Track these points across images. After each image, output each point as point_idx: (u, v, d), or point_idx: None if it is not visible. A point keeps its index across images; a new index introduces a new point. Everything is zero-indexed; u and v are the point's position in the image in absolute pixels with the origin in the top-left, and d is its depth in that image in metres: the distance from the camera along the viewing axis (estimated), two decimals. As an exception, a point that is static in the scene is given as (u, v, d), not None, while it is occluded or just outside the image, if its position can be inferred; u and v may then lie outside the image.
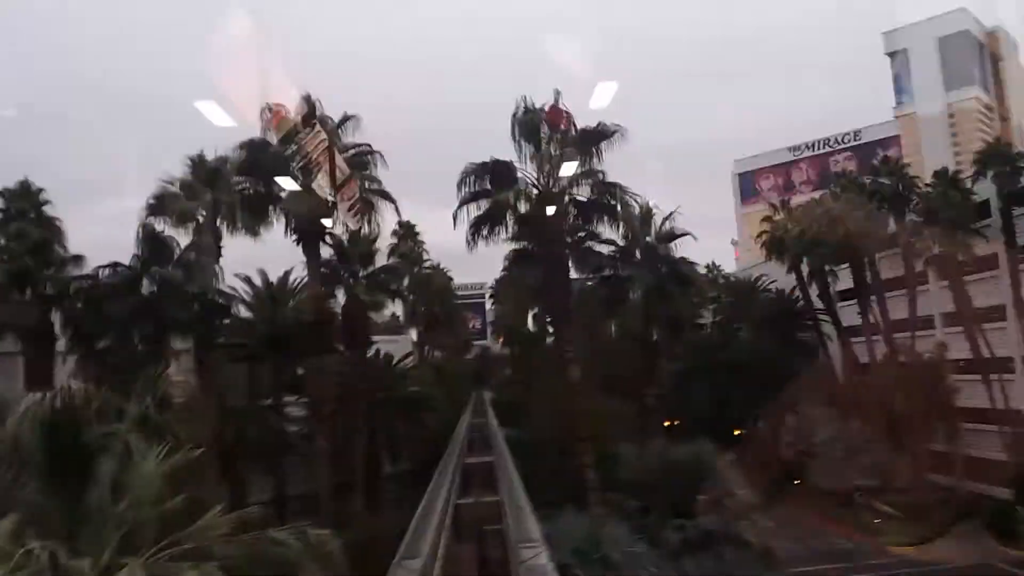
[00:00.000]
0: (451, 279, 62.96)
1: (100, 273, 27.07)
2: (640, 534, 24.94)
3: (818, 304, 60.20)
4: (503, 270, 64.09)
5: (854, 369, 58.71)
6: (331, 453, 34.20)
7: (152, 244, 27.58)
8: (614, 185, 25.80)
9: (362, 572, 24.08)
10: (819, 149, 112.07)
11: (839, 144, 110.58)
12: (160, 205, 29.28)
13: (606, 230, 27.53)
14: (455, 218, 26.81)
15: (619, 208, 25.80)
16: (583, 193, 26.70)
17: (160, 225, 28.83)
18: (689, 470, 26.81)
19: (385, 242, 56.89)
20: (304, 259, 27.43)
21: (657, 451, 28.05)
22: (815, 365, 64.20)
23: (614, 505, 26.22)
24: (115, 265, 26.97)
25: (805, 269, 55.28)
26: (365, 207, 25.50)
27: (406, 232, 58.58)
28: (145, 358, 26.94)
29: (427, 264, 59.23)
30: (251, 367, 36.75)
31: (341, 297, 32.54)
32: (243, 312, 33.45)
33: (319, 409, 28.41)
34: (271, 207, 26.89)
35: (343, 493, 33.78)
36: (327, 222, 26.10)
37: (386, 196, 27.79)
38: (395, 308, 59.32)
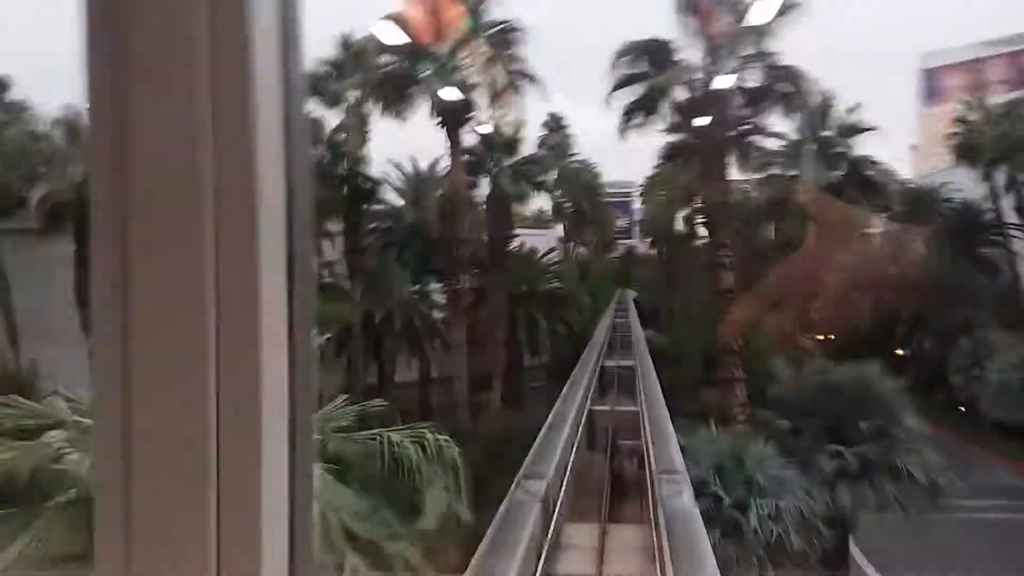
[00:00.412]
0: (599, 175, 60.26)
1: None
2: (790, 458, 22.62)
3: (1012, 218, 53.16)
4: (655, 166, 60.93)
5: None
6: (472, 342, 33.89)
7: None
8: (789, 69, 22.00)
9: (493, 469, 23.81)
10: (1019, 44, 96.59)
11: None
12: (309, 85, 28.57)
13: (776, 122, 23.94)
14: (608, 103, 24.07)
15: (793, 96, 22.10)
16: (753, 78, 23.15)
17: (310, 106, 28.20)
18: (851, 392, 23.86)
19: (533, 131, 55.34)
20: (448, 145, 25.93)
21: (815, 369, 25.20)
22: (998, 283, 57.63)
23: (763, 424, 23.92)
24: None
25: (1001, 177, 48.42)
26: (508, 90, 23.40)
27: (555, 124, 56.12)
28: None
29: (574, 159, 56.73)
30: (400, 251, 36.79)
31: (486, 186, 31.09)
32: (393, 197, 32.97)
33: (461, 298, 27.64)
34: (414, 87, 25.32)
35: (483, 382, 33.57)
36: (469, 106, 24.28)
37: (531, 78, 25.45)
38: (542, 202, 57.94)
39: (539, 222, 58.90)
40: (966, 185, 57.39)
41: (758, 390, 24.64)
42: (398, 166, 35.70)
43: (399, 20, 22.64)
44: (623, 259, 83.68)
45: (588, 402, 19.00)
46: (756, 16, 21.96)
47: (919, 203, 60.60)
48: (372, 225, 32.88)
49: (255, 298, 0.87)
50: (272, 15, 0.90)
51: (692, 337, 29.21)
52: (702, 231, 56.93)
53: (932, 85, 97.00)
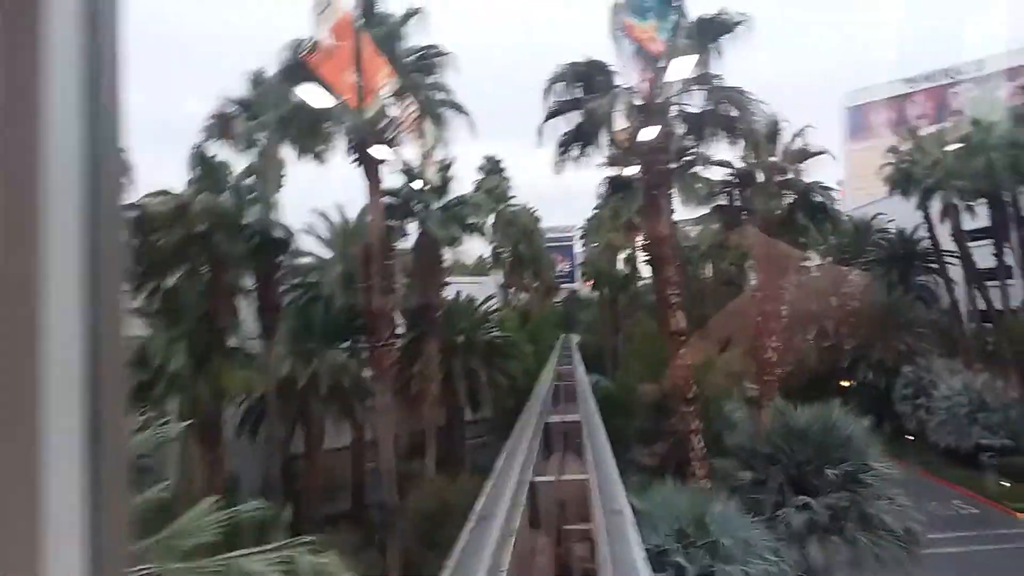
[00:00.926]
0: (538, 219, 58.47)
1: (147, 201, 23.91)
2: (756, 513, 20.24)
3: (947, 245, 53.20)
4: (595, 206, 59.50)
5: (984, 316, 51.73)
6: (405, 400, 30.99)
7: (205, 168, 24.12)
8: (734, 90, 20.16)
9: (424, 554, 20.79)
10: (938, 80, 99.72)
11: (960, 75, 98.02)
12: (218, 126, 25.73)
13: (720, 150, 22.02)
14: (540, 136, 21.81)
15: (738, 120, 20.25)
16: (695, 102, 21.24)
17: (216, 149, 25.35)
18: (815, 436, 21.74)
19: (468, 174, 53.30)
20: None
21: (774, 412, 23.06)
22: (935, 311, 57.47)
23: (723, 477, 21.57)
24: (163, 193, 23.67)
25: (936, 206, 48.22)
26: (424, 120, 20.96)
27: (491, 167, 54.30)
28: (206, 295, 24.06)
29: (512, 203, 54.83)
30: (327, 307, 33.96)
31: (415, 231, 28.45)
32: (318, 249, 30.05)
33: (385, 355, 24.82)
34: (326, 123, 22.67)
35: (416, 445, 30.61)
36: (383, 146, 21.71)
37: (457, 108, 23.03)
38: (479, 248, 55.72)
39: (477, 270, 56.64)
40: (898, 215, 57.49)
41: (715, 438, 22.36)
42: (323, 214, 32.94)
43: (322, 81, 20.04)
44: (565, 303, 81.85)
45: (529, 472, 16.26)
46: (678, 62, 20.23)
47: (854, 235, 60.61)
48: (296, 280, 29.81)
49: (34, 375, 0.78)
50: (73, 40, 0.80)
51: (641, 382, 26.86)
52: (646, 270, 55.44)
53: (857, 121, 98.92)
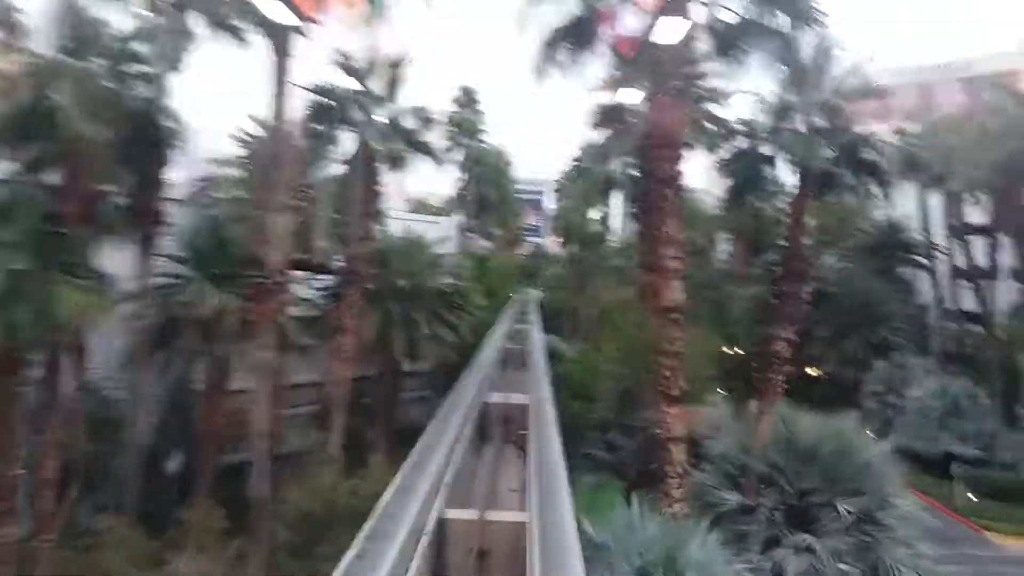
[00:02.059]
0: (509, 162, 51.62)
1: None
2: (743, 550, 14.74)
3: (937, 239, 48.30)
4: (575, 158, 52.94)
5: (969, 317, 47.17)
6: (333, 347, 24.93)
7: (73, 23, 17.24)
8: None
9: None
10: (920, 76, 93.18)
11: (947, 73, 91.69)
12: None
13: (750, 76, 15.72)
14: (523, 21, 15.19)
15: (786, 34, 14.04)
16: (728, 13, 14.95)
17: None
18: (826, 457, 16.23)
19: (441, 105, 46.15)
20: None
21: (778, 420, 17.42)
22: (914, 307, 52.76)
23: (706, 499, 15.96)
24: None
25: (938, 195, 42.92)
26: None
27: (466, 99, 47.24)
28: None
29: (483, 140, 47.83)
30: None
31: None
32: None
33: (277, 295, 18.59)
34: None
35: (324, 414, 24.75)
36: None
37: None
38: (438, 181, 49.07)
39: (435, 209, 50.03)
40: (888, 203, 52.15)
41: (699, 446, 16.66)
42: (252, 117, 25.97)
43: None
44: (530, 257, 75.74)
45: (439, 500, 10.20)
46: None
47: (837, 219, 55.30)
48: (199, 186, 23.03)
49: None
50: None
51: (609, 365, 20.94)
52: (628, 226, 49.41)
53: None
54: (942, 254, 47.36)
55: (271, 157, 15.54)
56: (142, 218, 19.92)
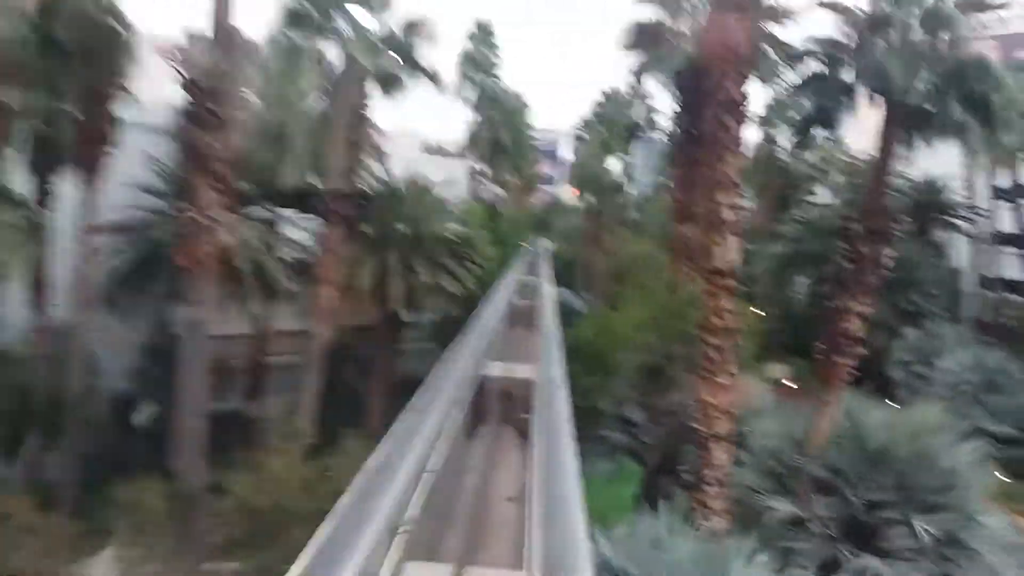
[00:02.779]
0: (526, 104, 47.05)
1: None
2: (792, 567, 11.37)
3: (983, 200, 43.89)
4: (597, 103, 48.40)
5: (1010, 286, 43.08)
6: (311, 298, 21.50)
7: None
8: None
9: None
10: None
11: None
12: None
13: None
14: None
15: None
16: None
17: None
18: (902, 464, 12.68)
19: (455, 42, 41.63)
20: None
21: (842, 412, 13.80)
22: (948, 271, 48.52)
23: (751, 509, 12.51)
24: None
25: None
26: None
27: (482, 36, 42.52)
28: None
29: (498, 80, 43.20)
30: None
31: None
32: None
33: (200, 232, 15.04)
34: None
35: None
36: None
37: None
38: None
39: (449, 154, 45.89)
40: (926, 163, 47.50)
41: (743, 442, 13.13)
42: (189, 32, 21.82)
43: None
44: (544, 208, 71.74)
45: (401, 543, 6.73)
46: None
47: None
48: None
49: None
50: None
51: (631, 331, 17.11)
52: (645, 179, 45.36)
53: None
54: (983, 218, 42.97)
55: (215, 72, 11.67)
56: (90, 140, 16.21)
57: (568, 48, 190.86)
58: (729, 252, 11.33)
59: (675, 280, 16.57)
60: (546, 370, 13.82)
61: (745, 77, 11.32)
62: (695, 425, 11.45)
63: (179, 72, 11.91)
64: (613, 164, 46.23)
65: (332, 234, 17.72)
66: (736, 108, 11.12)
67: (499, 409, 13.82)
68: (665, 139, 48.54)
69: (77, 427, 21.51)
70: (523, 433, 12.81)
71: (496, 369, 14.13)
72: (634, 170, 47.26)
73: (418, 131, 53.66)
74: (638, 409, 15.65)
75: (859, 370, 22.10)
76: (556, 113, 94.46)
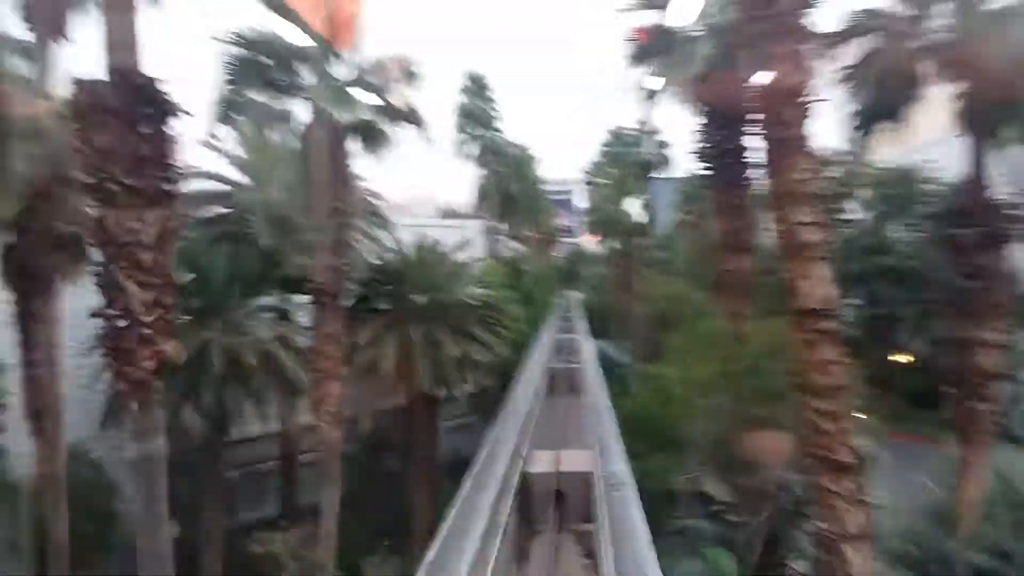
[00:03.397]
0: (532, 156, 44.79)
1: None
2: None
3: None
4: (604, 144, 46.05)
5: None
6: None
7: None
8: None
9: None
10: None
11: None
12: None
13: None
14: None
15: None
16: None
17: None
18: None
19: (448, 97, 39.65)
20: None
21: (976, 467, 10.57)
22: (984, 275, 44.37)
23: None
24: None
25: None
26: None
27: (475, 88, 40.68)
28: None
29: (498, 128, 41.05)
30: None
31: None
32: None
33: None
34: None
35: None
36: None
37: None
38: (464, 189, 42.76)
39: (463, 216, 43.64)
40: (948, 164, 44.16)
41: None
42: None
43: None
44: (567, 259, 69.18)
45: None
46: None
47: (898, 183, 47.74)
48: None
49: None
50: None
51: (699, 392, 13.86)
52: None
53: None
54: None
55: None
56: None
57: (568, 98, 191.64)
58: (821, 285, 8.46)
59: (732, 325, 13.60)
60: (607, 459, 10.85)
61: (807, 60, 8.65)
62: (820, 525, 8.38)
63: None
64: (631, 204, 43.68)
65: (325, 315, 15.06)
66: (797, 96, 8.42)
67: (549, 512, 10.85)
68: (679, 174, 46.12)
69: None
70: (586, 547, 9.83)
71: (543, 462, 11.18)
72: (654, 208, 44.58)
73: (435, 197, 51.81)
74: (719, 487, 12.57)
75: (931, 395, 18.75)
76: (565, 164, 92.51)
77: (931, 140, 46.04)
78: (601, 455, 10.85)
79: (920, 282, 35.42)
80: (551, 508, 11.00)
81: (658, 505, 12.30)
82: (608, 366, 23.97)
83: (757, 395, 11.22)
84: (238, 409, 20.01)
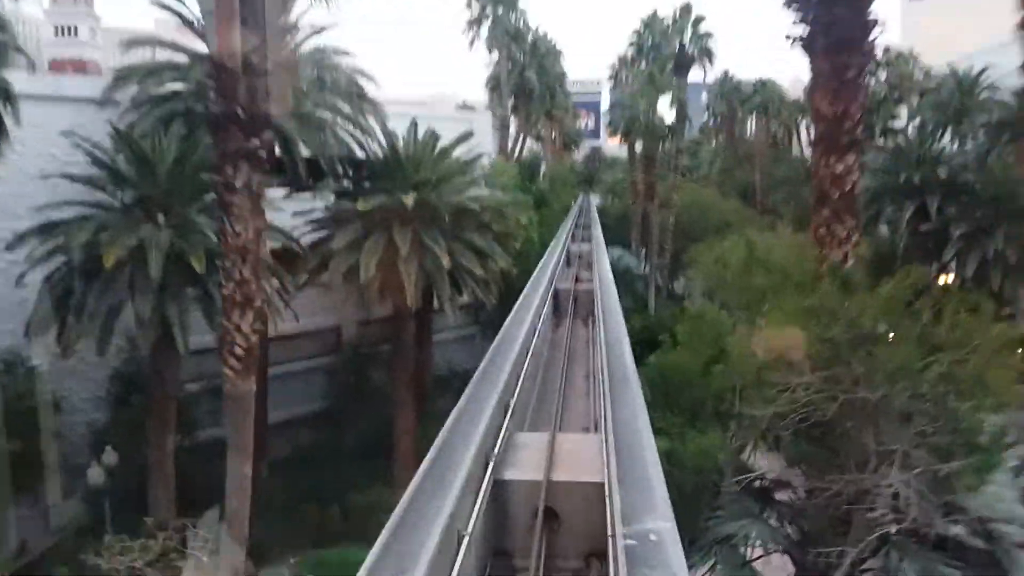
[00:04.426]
0: (554, 47, 38.56)
1: None
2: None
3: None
4: (635, 31, 39.56)
5: None
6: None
7: None
8: None
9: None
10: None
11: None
12: None
13: None
14: None
15: None
16: None
17: None
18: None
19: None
20: None
21: None
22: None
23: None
24: None
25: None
26: None
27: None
28: None
29: (518, 14, 34.73)
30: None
31: None
32: None
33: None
34: None
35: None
36: None
37: None
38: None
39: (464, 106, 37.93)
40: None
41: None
42: None
43: None
44: (587, 160, 63.49)
45: None
46: None
47: (954, 92, 41.55)
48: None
49: None
50: None
51: (766, 349, 9.28)
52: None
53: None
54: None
55: None
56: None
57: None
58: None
59: (818, 255, 9.07)
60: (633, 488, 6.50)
61: None
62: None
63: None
64: (661, 103, 37.96)
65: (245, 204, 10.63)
66: None
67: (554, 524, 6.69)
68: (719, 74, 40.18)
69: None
70: None
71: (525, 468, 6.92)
72: (686, 110, 38.68)
73: (456, 95, 46.07)
74: (781, 482, 8.48)
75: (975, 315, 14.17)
76: (594, 63, 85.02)
77: (989, 46, 39.32)
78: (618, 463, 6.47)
79: (971, 193, 30.27)
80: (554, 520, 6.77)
81: (691, 497, 8.23)
82: (626, 278, 19.85)
83: (853, 353, 6.96)
84: (184, 319, 16.18)
